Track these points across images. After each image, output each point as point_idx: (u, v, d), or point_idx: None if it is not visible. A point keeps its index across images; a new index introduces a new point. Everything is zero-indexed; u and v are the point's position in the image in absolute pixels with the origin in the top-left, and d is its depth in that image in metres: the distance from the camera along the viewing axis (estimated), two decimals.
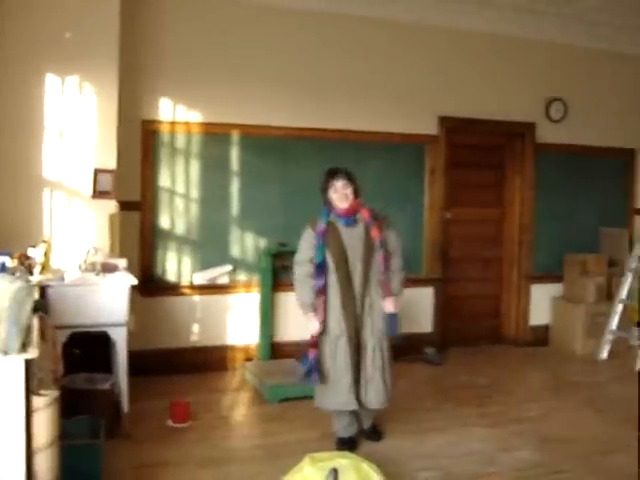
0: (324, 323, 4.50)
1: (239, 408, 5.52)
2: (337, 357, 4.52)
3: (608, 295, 7.57)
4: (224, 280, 6.43)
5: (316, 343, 4.52)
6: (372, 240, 4.49)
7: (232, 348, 6.46)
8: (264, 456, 4.55)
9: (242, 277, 6.51)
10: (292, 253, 6.25)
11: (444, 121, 7.19)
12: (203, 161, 6.31)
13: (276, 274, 6.47)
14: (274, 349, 6.47)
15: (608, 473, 4.40)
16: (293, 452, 4.48)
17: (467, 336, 7.67)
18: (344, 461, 3.78)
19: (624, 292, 7.37)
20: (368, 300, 4.55)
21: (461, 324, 7.66)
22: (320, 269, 4.46)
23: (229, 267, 6.42)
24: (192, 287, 6.32)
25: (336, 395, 4.53)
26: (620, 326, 7.37)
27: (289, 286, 6.41)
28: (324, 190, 4.56)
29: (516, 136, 7.67)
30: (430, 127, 7.15)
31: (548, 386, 6.38)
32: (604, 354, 7.29)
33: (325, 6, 6.61)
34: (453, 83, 7.23)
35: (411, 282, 6.98)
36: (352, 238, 4.51)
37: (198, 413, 5.20)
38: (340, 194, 4.48)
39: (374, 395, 4.55)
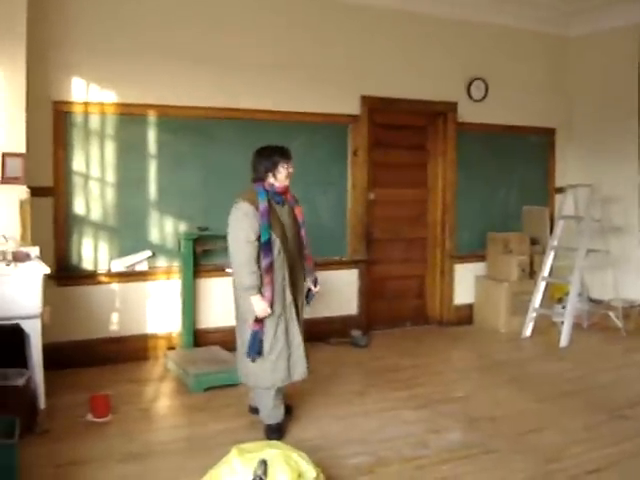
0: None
1: (162, 399, 5.30)
2: (278, 333, 4.46)
3: (531, 273, 7.64)
4: (143, 267, 6.18)
5: (257, 319, 4.39)
6: (296, 218, 4.64)
7: (153, 337, 6.23)
8: (189, 448, 4.38)
9: (162, 263, 6.27)
10: (214, 237, 6.19)
11: (366, 100, 7.09)
12: (119, 143, 6.03)
13: (197, 259, 6.27)
14: (197, 336, 6.27)
15: (536, 451, 4.40)
16: (220, 443, 4.36)
17: (392, 317, 7.64)
18: (273, 451, 3.67)
19: (547, 270, 7.46)
20: (299, 274, 4.65)
21: (386, 305, 7.61)
22: (267, 247, 4.36)
23: (148, 253, 6.18)
24: (110, 275, 6.05)
25: (276, 371, 4.47)
26: (543, 303, 7.46)
27: (211, 271, 6.35)
28: (271, 167, 4.47)
29: (438, 116, 7.64)
30: (352, 107, 7.05)
31: (474, 365, 6.38)
32: (528, 331, 7.36)
33: None
34: (375, 62, 7.14)
35: (335, 264, 6.97)
36: (284, 216, 4.56)
37: (119, 406, 4.97)
38: (288, 173, 4.52)
39: (303, 365, 4.59)
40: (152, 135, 6.17)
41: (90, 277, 5.99)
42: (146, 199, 6.18)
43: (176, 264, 6.27)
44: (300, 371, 4.61)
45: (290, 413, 4.88)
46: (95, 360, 5.87)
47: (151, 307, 6.23)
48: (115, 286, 6.09)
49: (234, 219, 4.43)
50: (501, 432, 4.71)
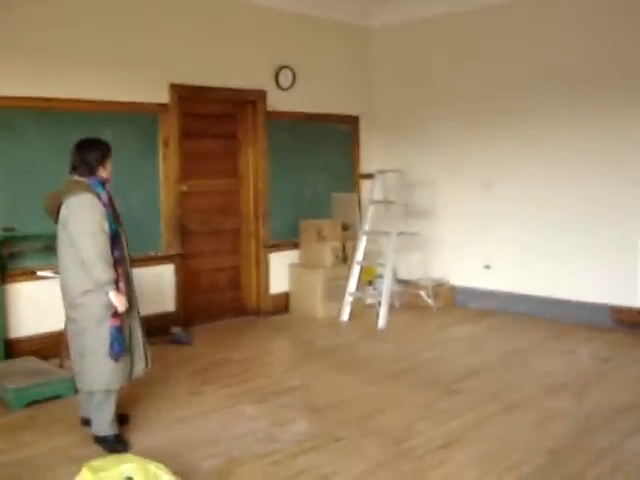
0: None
1: None
2: (130, 329, 4.30)
3: (343, 258, 7.78)
4: None
5: (117, 314, 4.14)
6: (118, 210, 4.42)
7: None
8: (24, 472, 3.97)
9: None
10: (22, 238, 5.70)
11: (175, 89, 6.84)
12: None
13: (3, 263, 5.74)
14: (9, 347, 5.73)
15: (383, 433, 4.47)
16: (56, 463, 4.08)
17: (210, 311, 7.47)
18: (130, 466, 3.44)
19: (360, 254, 7.63)
20: (131, 271, 4.47)
21: (203, 299, 7.44)
22: (117, 238, 4.17)
23: None
24: None
25: (122, 370, 4.25)
26: (357, 287, 7.64)
27: (20, 275, 5.84)
28: (101, 158, 4.26)
29: (247, 104, 7.55)
30: (161, 96, 6.77)
31: (300, 353, 6.41)
32: (345, 316, 7.50)
33: None
34: (184, 49, 6.89)
35: (150, 260, 6.69)
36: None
37: None
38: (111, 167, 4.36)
39: (144, 361, 4.47)
40: None
41: None
42: None
43: None
44: (140, 367, 4.43)
45: (127, 422, 4.61)
46: None
47: None
48: None
49: (81, 211, 4.07)
50: (344, 418, 4.74)
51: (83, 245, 4.05)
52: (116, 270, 4.11)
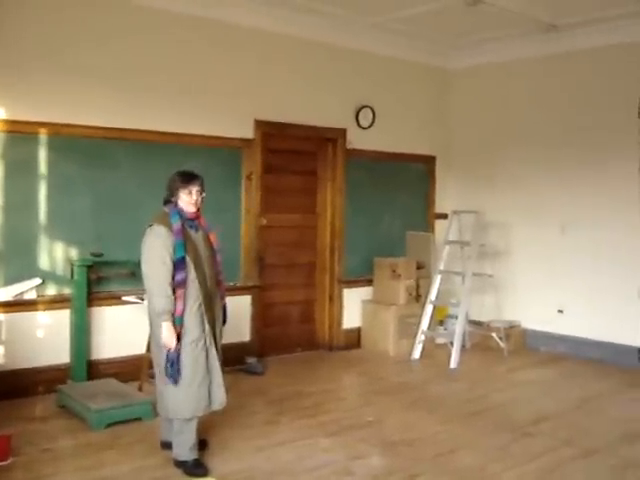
0: (181, 325, 4.24)
1: (63, 438, 4.90)
2: (199, 360, 4.31)
3: (416, 297, 7.79)
4: (32, 295, 5.77)
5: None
6: (211, 244, 4.54)
7: (43, 370, 5.77)
8: None
9: (52, 291, 5.88)
10: (109, 264, 5.91)
11: (260, 125, 7.04)
12: (6, 163, 5.61)
13: (90, 287, 5.94)
14: (91, 369, 5.92)
15: (459, 471, 4.47)
16: None
17: (283, 343, 7.56)
18: None
19: (434, 293, 7.65)
20: (216, 300, 4.52)
21: (277, 331, 7.53)
22: (181, 265, 4.22)
23: (37, 281, 5.78)
24: None
25: (199, 400, 4.32)
26: (429, 326, 7.64)
27: (105, 299, 6.03)
28: (174, 190, 4.36)
29: (328, 142, 7.71)
30: (246, 131, 6.97)
31: (374, 389, 6.41)
32: (417, 354, 7.50)
33: (144, 2, 6.21)
34: (269, 87, 7.12)
35: (229, 290, 6.78)
36: (198, 241, 4.42)
37: (18, 447, 4.57)
38: (193, 199, 4.37)
39: (222, 393, 4.45)
40: (42, 155, 5.78)
41: None
42: (35, 223, 5.78)
43: (68, 292, 5.89)
44: (220, 399, 4.47)
45: (206, 447, 4.70)
46: None
47: (41, 338, 5.82)
48: (0, 316, 5.63)
49: (148, 242, 4.29)
50: (420, 455, 4.75)
51: (144, 274, 4.26)
52: (175, 291, 4.19)
